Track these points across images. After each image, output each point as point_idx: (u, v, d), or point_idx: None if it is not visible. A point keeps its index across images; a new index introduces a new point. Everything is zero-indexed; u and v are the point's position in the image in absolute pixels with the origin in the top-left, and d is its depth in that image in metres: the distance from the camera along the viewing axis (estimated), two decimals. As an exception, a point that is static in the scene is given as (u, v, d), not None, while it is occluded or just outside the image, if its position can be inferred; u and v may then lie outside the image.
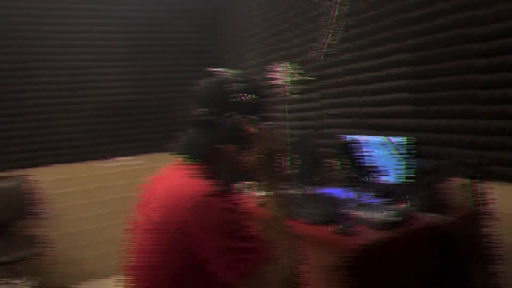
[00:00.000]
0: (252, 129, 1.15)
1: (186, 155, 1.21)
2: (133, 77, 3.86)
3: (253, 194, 2.33)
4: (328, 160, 2.23)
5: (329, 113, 2.62)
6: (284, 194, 1.20)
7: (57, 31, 3.54)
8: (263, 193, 1.19)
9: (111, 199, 3.81)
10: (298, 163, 1.42)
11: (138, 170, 3.75)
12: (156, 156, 3.86)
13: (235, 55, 3.80)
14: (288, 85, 2.97)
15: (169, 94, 3.95)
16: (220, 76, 1.21)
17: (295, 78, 2.91)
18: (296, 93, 2.95)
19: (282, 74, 2.97)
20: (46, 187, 3.55)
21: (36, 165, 3.53)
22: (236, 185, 1.28)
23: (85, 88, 3.68)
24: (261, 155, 1.16)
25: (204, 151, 1.18)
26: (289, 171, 1.26)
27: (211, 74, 1.23)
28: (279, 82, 2.98)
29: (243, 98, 1.16)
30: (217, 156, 1.19)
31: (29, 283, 3.11)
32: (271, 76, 2.60)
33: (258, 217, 1.18)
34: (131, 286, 1.19)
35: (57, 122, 3.60)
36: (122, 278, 1.23)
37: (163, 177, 1.24)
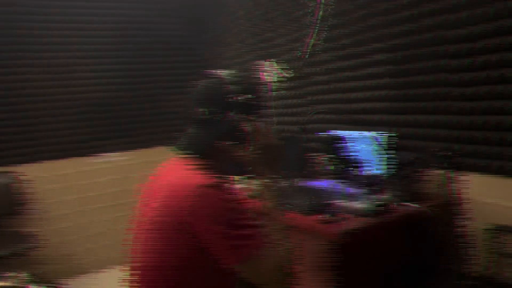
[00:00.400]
0: (249, 126, 1.25)
1: (188, 152, 1.30)
2: (121, 73, 3.85)
3: (247, 186, 2.45)
4: (315, 154, 2.35)
5: (315, 110, 2.75)
6: (278, 186, 1.31)
7: (44, 28, 3.52)
8: (259, 185, 1.30)
9: (100, 195, 3.81)
10: (288, 157, 1.53)
11: (126, 166, 3.80)
12: (144, 151, 3.90)
13: (222, 52, 3.85)
14: (275, 83, 3.08)
15: (157, 90, 3.97)
16: (218, 77, 1.31)
17: (281, 76, 3.02)
18: (283, 91, 3.07)
19: (269, 72, 3.08)
20: (35, 183, 3.52)
21: (25, 162, 3.52)
22: (235, 178, 1.38)
23: (73, 85, 3.67)
24: (257, 150, 1.27)
25: (205, 147, 1.28)
26: (282, 165, 1.36)
27: (209, 75, 1.33)
28: (266, 79, 3.09)
29: (240, 97, 1.27)
30: (217, 152, 1.28)
31: (21, 276, 3.12)
32: (260, 74, 2.70)
33: (254, 207, 1.28)
34: (137, 286, 1.27)
35: (46, 119, 3.58)
36: (127, 279, 1.30)
37: (164, 174, 1.32)
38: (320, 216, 1.77)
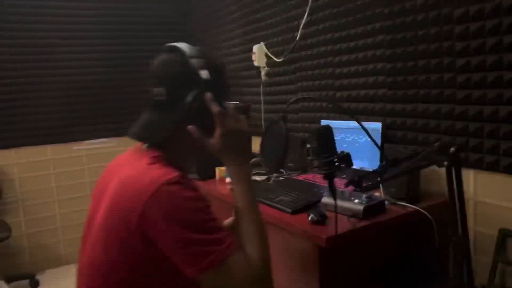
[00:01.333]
0: (215, 109, 1.05)
1: (144, 140, 1.12)
2: (105, 56, 3.72)
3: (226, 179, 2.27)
4: (300, 146, 2.16)
5: (299, 96, 2.55)
6: (251, 179, 1.11)
7: (28, 13, 3.38)
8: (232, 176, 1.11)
9: (82, 183, 3.71)
10: (268, 148, 1.34)
11: (110, 153, 3.62)
12: (128, 139, 3.75)
13: (209, 35, 3.66)
14: (263, 67, 2.88)
15: (142, 74, 3.78)
16: (178, 51, 1.10)
17: (270, 60, 2.81)
18: (270, 75, 2.86)
19: (257, 55, 2.87)
20: (14, 170, 3.45)
21: (4, 147, 3.41)
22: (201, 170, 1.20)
23: (55, 67, 3.53)
24: (225, 137, 1.07)
25: (163, 134, 1.09)
26: (259, 156, 1.18)
27: (168, 49, 1.12)
28: (254, 63, 2.88)
29: (204, 75, 1.06)
30: (178, 140, 1.10)
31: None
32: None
33: (231, 203, 1.11)
34: (84, 285, 1.10)
35: (26, 102, 3.46)
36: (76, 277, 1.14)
37: (117, 167, 1.14)
38: (306, 216, 1.58)
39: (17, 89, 3.40)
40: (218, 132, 1.07)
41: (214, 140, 1.07)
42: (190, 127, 1.06)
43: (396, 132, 1.99)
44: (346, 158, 1.33)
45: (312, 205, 1.69)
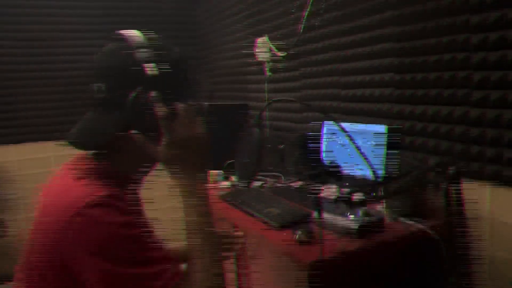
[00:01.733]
0: (160, 112, 0.86)
1: (80, 147, 0.94)
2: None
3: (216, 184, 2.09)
4: (284, 151, 1.95)
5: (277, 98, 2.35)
6: (207, 195, 0.91)
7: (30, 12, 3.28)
8: (180, 194, 0.90)
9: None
10: (243, 156, 1.15)
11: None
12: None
13: (215, 27, 3.48)
14: (268, 61, 2.68)
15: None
16: (123, 40, 0.91)
17: (274, 54, 2.61)
18: (275, 71, 2.66)
19: (262, 48, 2.67)
20: (12, 166, 3.36)
21: (4, 143, 3.31)
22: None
23: (55, 62, 3.41)
24: (172, 146, 0.87)
25: (102, 140, 0.90)
26: (238, 164, 0.98)
27: (114, 38, 0.94)
28: (259, 57, 2.69)
29: (150, 69, 0.87)
30: (123, 147, 0.91)
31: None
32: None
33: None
34: None
35: (24, 98, 3.34)
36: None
37: (50, 182, 0.97)
38: (292, 232, 1.38)
39: (18, 84, 3.30)
40: (164, 139, 0.88)
41: (162, 148, 0.88)
42: (132, 132, 0.87)
43: (404, 137, 1.76)
44: (333, 170, 1.13)
45: (302, 220, 1.50)
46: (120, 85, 0.88)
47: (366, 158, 1.10)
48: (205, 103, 2.29)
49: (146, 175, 1.01)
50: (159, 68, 0.87)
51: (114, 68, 0.90)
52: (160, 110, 0.86)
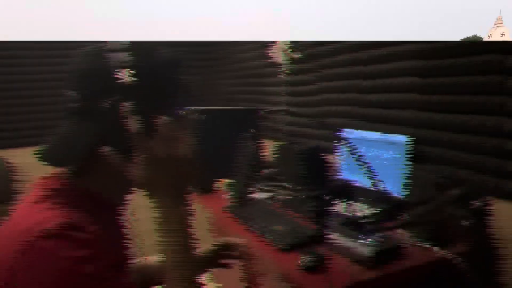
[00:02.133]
0: (132, 127, 0.73)
1: (49, 163, 0.81)
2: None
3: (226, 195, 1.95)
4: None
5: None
6: (188, 221, 0.77)
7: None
8: (160, 218, 0.77)
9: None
10: (239, 169, 1.00)
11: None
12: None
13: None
14: (284, 64, 2.52)
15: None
16: (98, 44, 0.79)
17: (290, 56, 2.45)
18: (292, 74, 2.50)
19: (278, 51, 2.52)
20: (25, 169, 3.26)
21: (16, 146, 3.27)
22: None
23: (64, 64, 3.36)
24: (151, 165, 0.74)
25: (72, 156, 0.78)
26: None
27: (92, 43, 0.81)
28: (275, 60, 2.54)
29: (124, 76, 0.74)
30: (90, 165, 0.79)
31: None
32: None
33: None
34: None
35: (32, 101, 3.33)
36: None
37: (24, 197, 0.84)
38: (300, 256, 1.23)
39: (23, 86, 3.29)
40: (138, 159, 0.74)
41: (138, 167, 0.75)
42: (104, 149, 0.75)
43: (431, 148, 1.57)
44: (344, 190, 0.98)
45: (310, 241, 1.34)
46: (92, 94, 0.75)
47: (376, 175, 0.94)
48: (200, 108, 2.06)
49: (124, 198, 0.88)
50: (137, 75, 0.74)
51: (87, 74, 0.77)
52: (134, 124, 0.73)
